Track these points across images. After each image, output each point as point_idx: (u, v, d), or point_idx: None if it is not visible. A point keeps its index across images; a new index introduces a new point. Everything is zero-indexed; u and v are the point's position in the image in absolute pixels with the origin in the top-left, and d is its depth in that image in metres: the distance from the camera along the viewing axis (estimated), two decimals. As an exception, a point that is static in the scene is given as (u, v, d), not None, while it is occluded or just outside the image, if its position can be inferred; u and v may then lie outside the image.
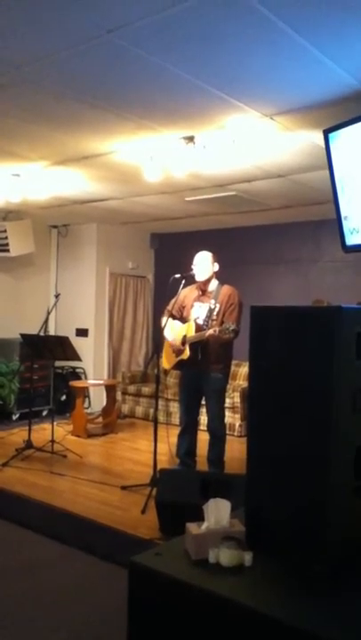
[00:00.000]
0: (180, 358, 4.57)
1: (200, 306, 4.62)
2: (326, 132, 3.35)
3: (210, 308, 4.51)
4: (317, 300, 5.58)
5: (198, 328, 4.47)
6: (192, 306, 4.67)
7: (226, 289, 4.61)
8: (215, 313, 4.47)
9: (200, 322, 4.51)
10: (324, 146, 3.41)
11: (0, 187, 5.39)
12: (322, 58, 2.71)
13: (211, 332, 4.26)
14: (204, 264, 4.60)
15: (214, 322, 4.42)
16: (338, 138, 3.29)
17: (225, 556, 1.88)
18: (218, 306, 4.49)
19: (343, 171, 3.33)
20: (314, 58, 2.71)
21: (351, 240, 3.38)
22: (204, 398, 4.70)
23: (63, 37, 2.60)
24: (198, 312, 4.60)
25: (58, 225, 8.13)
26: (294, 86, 3.08)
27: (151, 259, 8.66)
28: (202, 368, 4.51)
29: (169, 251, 8.21)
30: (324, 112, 3.36)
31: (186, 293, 4.73)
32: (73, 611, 2.75)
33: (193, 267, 4.62)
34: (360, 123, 3.09)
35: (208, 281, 4.63)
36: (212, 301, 4.53)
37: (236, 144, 4.04)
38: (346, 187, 3.35)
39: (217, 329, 4.23)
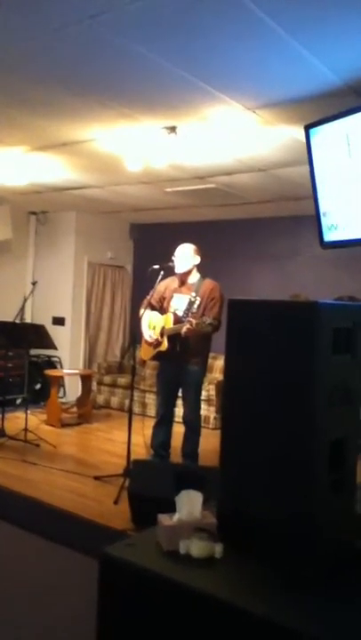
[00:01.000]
0: (157, 350, 4.57)
1: (180, 297, 4.61)
2: (307, 128, 3.36)
3: (190, 300, 4.50)
4: (295, 295, 5.61)
5: (177, 320, 4.46)
6: (172, 297, 4.65)
7: (208, 283, 4.60)
8: (195, 306, 4.47)
9: (179, 313, 4.50)
10: (305, 141, 3.42)
11: (-23, 171, 5.30)
12: (305, 54, 2.71)
13: (188, 326, 4.25)
14: (185, 255, 4.58)
15: (194, 314, 4.41)
16: (319, 134, 3.31)
17: (196, 547, 1.89)
18: (199, 299, 4.48)
19: (323, 167, 3.35)
20: (297, 54, 2.71)
21: (329, 236, 3.40)
22: (180, 390, 4.71)
23: (45, 22, 2.55)
24: (178, 304, 4.58)
25: (37, 212, 8.04)
26: (277, 81, 3.07)
27: (130, 249, 8.62)
28: (180, 360, 4.51)
29: (148, 242, 8.18)
30: (305, 107, 3.37)
31: (166, 284, 4.71)
32: (45, 604, 2.73)
33: (173, 258, 4.60)
34: (341, 120, 3.10)
35: (188, 273, 4.62)
36: (193, 294, 4.52)
37: (218, 136, 4.03)
38: (325, 183, 3.37)
39: (194, 322, 4.21)
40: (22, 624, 2.53)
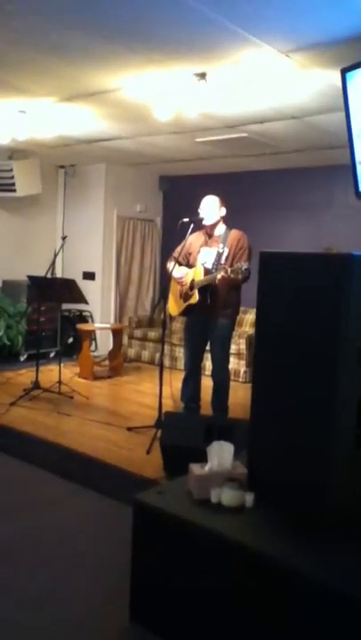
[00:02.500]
0: (188, 303, 4.55)
1: (208, 251, 4.56)
2: (344, 72, 3.21)
3: (218, 252, 4.45)
4: (328, 248, 5.49)
5: (207, 272, 4.43)
6: (199, 252, 4.61)
7: (235, 233, 4.54)
8: (224, 257, 4.42)
9: (208, 266, 4.47)
10: (341, 86, 3.28)
11: (6, 124, 5.25)
12: (343, -11, 2.57)
13: (223, 273, 4.19)
14: (210, 208, 4.52)
15: (223, 266, 4.37)
16: (356, 78, 3.16)
17: (227, 496, 1.93)
18: (227, 250, 4.43)
19: (360, 112, 3.21)
20: (335, -11, 2.57)
21: (365, 186, 3.29)
22: (209, 344, 4.72)
23: None
24: (206, 257, 4.54)
25: (65, 165, 7.97)
26: (313, 21, 2.92)
27: (160, 202, 8.52)
28: (209, 313, 4.50)
29: (178, 194, 8.06)
30: (342, 50, 3.21)
31: (192, 240, 4.66)
32: (79, 546, 2.85)
33: (200, 210, 4.53)
34: (380, 61, 2.95)
35: (215, 225, 4.56)
36: (221, 245, 4.47)
37: (250, 82, 3.89)
38: (362, 130, 3.24)
39: (228, 269, 4.15)
40: (55, 566, 2.64)
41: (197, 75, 3.76)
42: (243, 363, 6.61)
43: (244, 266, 4.10)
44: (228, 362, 4.73)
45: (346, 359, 1.77)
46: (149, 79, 3.95)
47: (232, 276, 4.11)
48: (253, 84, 3.95)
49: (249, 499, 1.93)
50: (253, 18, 2.91)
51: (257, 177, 7.27)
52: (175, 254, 4.68)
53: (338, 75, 3.27)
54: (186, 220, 4.49)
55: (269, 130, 5.24)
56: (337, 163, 5.94)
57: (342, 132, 3.44)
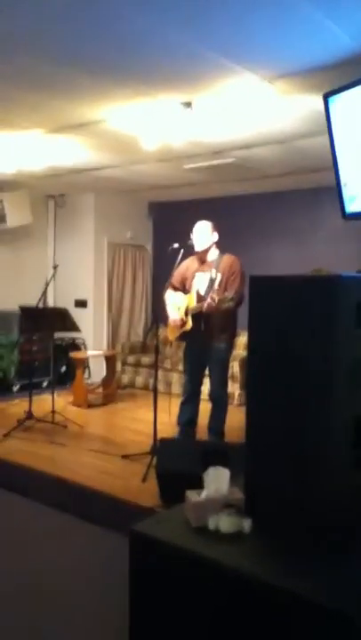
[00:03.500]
0: (183, 330, 4.57)
1: (201, 276, 4.59)
2: (326, 96, 3.27)
3: (211, 277, 4.48)
4: (317, 270, 5.53)
5: (200, 299, 4.45)
6: (193, 277, 4.63)
7: (227, 258, 4.57)
8: (217, 282, 4.44)
9: (202, 292, 4.49)
10: (323, 110, 3.34)
11: (-5, 156, 5.31)
12: (323, 20, 2.63)
13: (209, 301, 4.23)
14: (202, 233, 4.55)
15: (216, 291, 4.39)
16: (338, 102, 3.22)
17: (224, 523, 1.91)
18: (219, 275, 4.45)
19: (343, 136, 3.27)
20: (314, 20, 2.63)
21: (351, 207, 3.33)
22: (207, 368, 4.72)
23: (57, 1, 2.52)
24: (200, 282, 4.57)
25: (55, 195, 8.04)
26: (294, 49, 3.00)
27: (150, 228, 8.59)
28: (205, 338, 4.51)
29: (167, 220, 8.13)
30: (323, 76, 3.28)
31: (187, 265, 4.69)
32: (75, 580, 2.79)
33: (192, 236, 4.57)
34: (359, 86, 3.02)
35: (207, 250, 4.58)
36: (213, 271, 4.50)
37: (235, 109, 3.96)
38: (346, 152, 3.29)
39: (216, 298, 4.19)
40: (52, 599, 2.59)
41: (183, 104, 3.83)
42: (237, 385, 6.59)
43: (230, 295, 4.15)
44: (226, 384, 4.74)
45: (339, 379, 1.77)
46: (136, 109, 4.02)
47: (221, 305, 4.15)
48: (238, 111, 4.02)
49: (247, 525, 1.91)
50: (236, 48, 2.98)
51: (245, 201, 7.35)
52: (172, 280, 4.72)
53: (320, 100, 3.34)
54: (176, 245, 4.52)
55: (255, 155, 5.31)
56: (323, 185, 6.03)
57: (327, 155, 3.49)
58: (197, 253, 4.61)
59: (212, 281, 4.46)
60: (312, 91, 3.52)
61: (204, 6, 2.56)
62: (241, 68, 3.23)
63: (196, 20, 2.69)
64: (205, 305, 4.25)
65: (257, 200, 7.28)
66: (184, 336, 4.63)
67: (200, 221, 4.60)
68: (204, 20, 2.69)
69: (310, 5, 2.51)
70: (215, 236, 4.58)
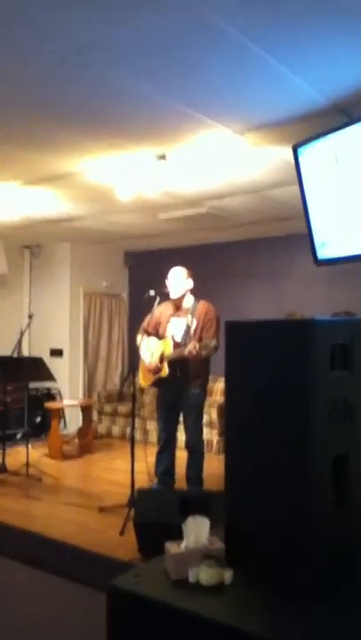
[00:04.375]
0: (158, 376, 4.54)
1: (177, 321, 4.59)
2: (295, 148, 3.40)
3: (187, 324, 4.49)
4: (291, 313, 5.61)
5: (176, 345, 4.44)
6: (168, 322, 4.63)
7: (202, 305, 4.59)
8: (193, 329, 4.46)
9: (178, 339, 4.49)
10: (293, 161, 3.46)
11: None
12: (290, 75, 2.76)
13: (190, 347, 4.22)
14: (177, 279, 4.58)
15: (192, 338, 4.40)
16: (307, 153, 3.34)
17: (205, 574, 1.85)
18: (195, 322, 4.47)
19: (313, 185, 3.38)
20: (281, 74, 2.75)
21: (322, 253, 3.41)
22: (181, 415, 4.67)
23: (32, 56, 2.59)
24: (175, 328, 4.57)
25: (31, 245, 8.07)
26: (264, 103, 3.12)
27: (125, 277, 8.65)
28: (180, 385, 4.48)
29: (143, 268, 8.21)
30: (293, 128, 3.41)
31: (161, 310, 4.70)
32: (51, 638, 2.66)
33: (167, 282, 4.60)
34: (327, 137, 3.14)
35: (183, 297, 4.61)
36: (189, 317, 4.51)
37: (208, 161, 4.07)
38: (316, 201, 3.40)
39: (197, 345, 4.20)
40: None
41: (157, 156, 3.92)
42: (215, 432, 6.53)
43: (213, 343, 4.17)
44: (202, 430, 4.68)
45: (317, 420, 1.76)
46: (111, 162, 4.10)
47: (202, 352, 4.16)
48: (211, 163, 4.13)
49: (228, 576, 1.85)
50: (207, 102, 3.10)
51: (220, 249, 7.48)
52: (145, 324, 4.70)
53: (290, 151, 3.46)
54: (152, 293, 4.54)
55: (229, 204, 5.44)
56: (295, 232, 6.17)
57: (298, 204, 3.60)
58: (173, 300, 4.63)
59: (188, 327, 4.47)
60: (282, 142, 3.65)
61: (174, 65, 2.67)
62: (212, 122, 3.35)
63: (168, 77, 2.80)
64: (186, 352, 4.25)
65: (231, 247, 7.41)
66: (158, 382, 4.60)
67: (175, 267, 4.64)
68: (175, 77, 2.80)
69: (277, 62, 2.63)
70: (190, 283, 4.61)
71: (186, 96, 3.02)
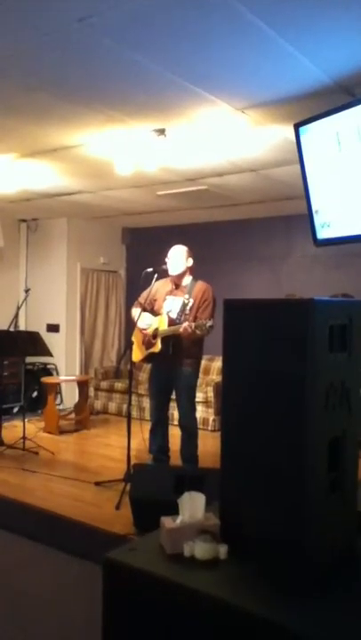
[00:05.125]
0: (150, 351, 4.54)
1: (173, 299, 4.59)
2: (297, 126, 3.36)
3: (183, 302, 4.49)
4: (290, 294, 5.61)
5: (171, 322, 4.45)
6: (164, 299, 4.63)
7: (200, 285, 4.59)
8: (189, 307, 4.46)
9: (173, 315, 4.49)
10: (295, 140, 3.42)
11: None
12: (293, 52, 2.72)
13: (185, 326, 4.23)
14: (178, 258, 4.57)
15: (187, 316, 4.40)
16: (308, 132, 3.31)
17: (200, 549, 1.88)
18: (192, 301, 4.47)
19: (314, 165, 3.35)
20: (285, 52, 2.71)
21: (322, 234, 3.40)
22: (174, 393, 4.69)
23: (32, 27, 2.54)
24: (171, 305, 4.57)
25: (27, 219, 8.02)
26: (266, 80, 3.08)
27: (123, 254, 8.61)
28: (172, 363, 4.49)
29: (141, 246, 8.18)
30: (295, 106, 3.37)
31: (158, 287, 4.69)
32: (48, 612, 2.72)
33: (167, 260, 4.58)
34: (330, 117, 3.11)
35: (182, 275, 4.60)
36: (186, 296, 4.51)
37: (208, 137, 4.03)
38: (316, 181, 3.37)
39: (192, 324, 4.20)
40: (26, 631, 2.51)
41: (156, 131, 3.88)
42: (211, 411, 6.58)
43: (208, 323, 4.16)
44: (194, 409, 4.71)
45: (313, 402, 1.78)
46: (110, 136, 4.05)
47: (197, 331, 4.16)
48: (211, 139, 4.09)
49: (222, 551, 1.88)
50: (208, 77, 3.05)
51: (218, 228, 7.44)
52: (141, 299, 4.70)
53: (292, 130, 3.43)
54: (150, 270, 4.53)
55: (228, 183, 5.40)
56: (295, 213, 6.15)
57: (298, 184, 3.57)
58: (172, 277, 4.62)
59: (184, 305, 4.47)
60: (283, 120, 3.61)
61: (176, 38, 2.62)
62: (213, 97, 3.30)
63: (169, 51, 2.75)
64: (181, 329, 4.25)
65: (230, 227, 7.38)
66: (150, 358, 4.61)
67: (176, 245, 4.62)
68: (176, 51, 2.75)
69: (282, 39, 2.59)
70: (190, 262, 4.60)
71: (187, 70, 2.98)
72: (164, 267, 4.55)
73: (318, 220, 3.40)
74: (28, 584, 2.97)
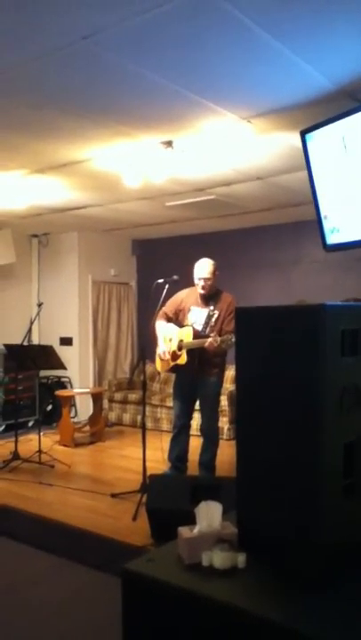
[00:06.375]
0: (176, 363, 4.54)
1: (198, 311, 4.57)
2: (303, 133, 3.38)
3: (208, 314, 4.48)
4: (301, 300, 5.60)
5: (196, 334, 4.44)
6: (189, 310, 4.62)
7: (226, 296, 4.58)
8: (214, 319, 4.45)
9: (198, 327, 4.48)
10: (301, 147, 3.44)
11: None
12: (297, 60, 2.74)
13: (211, 340, 4.23)
14: (210, 277, 4.49)
15: (212, 328, 4.40)
16: (315, 138, 3.32)
17: (218, 558, 1.87)
18: (217, 312, 4.46)
19: (321, 170, 3.36)
20: (289, 61, 2.73)
21: (332, 239, 3.40)
22: (198, 402, 4.69)
23: (38, 44, 2.59)
24: (196, 317, 4.56)
25: (38, 234, 8.09)
26: (270, 89, 3.10)
27: (133, 265, 8.65)
28: (198, 373, 4.50)
29: (151, 256, 8.22)
30: (300, 114, 3.39)
31: (183, 297, 4.67)
32: (66, 625, 2.71)
33: (200, 280, 4.50)
34: (336, 123, 3.12)
35: (212, 290, 4.58)
36: (211, 307, 4.50)
37: (215, 147, 4.05)
38: (324, 186, 3.38)
39: (218, 338, 4.20)
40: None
41: (164, 143, 3.91)
42: (226, 420, 6.56)
43: (233, 338, 4.14)
44: (217, 418, 4.73)
45: (327, 407, 1.77)
46: (118, 149, 4.09)
47: (222, 345, 4.17)
48: (218, 149, 4.11)
49: (241, 559, 1.88)
50: (213, 88, 3.07)
51: (227, 237, 7.46)
52: (166, 309, 4.67)
53: (298, 137, 3.44)
54: (161, 281, 4.54)
55: (236, 191, 5.42)
56: (304, 219, 6.15)
57: (306, 190, 3.58)
58: (201, 294, 4.56)
59: (209, 317, 4.46)
60: (289, 128, 3.62)
61: (180, 50, 2.65)
62: (219, 108, 3.33)
63: (174, 63, 2.78)
64: (207, 344, 4.25)
65: (239, 235, 7.39)
66: (175, 369, 4.61)
67: (203, 261, 4.54)
68: (181, 63, 2.78)
69: (285, 48, 2.61)
70: (216, 275, 4.56)
71: (192, 83, 3.01)
72: (174, 277, 4.54)
73: (327, 226, 3.40)
74: (46, 597, 2.97)
